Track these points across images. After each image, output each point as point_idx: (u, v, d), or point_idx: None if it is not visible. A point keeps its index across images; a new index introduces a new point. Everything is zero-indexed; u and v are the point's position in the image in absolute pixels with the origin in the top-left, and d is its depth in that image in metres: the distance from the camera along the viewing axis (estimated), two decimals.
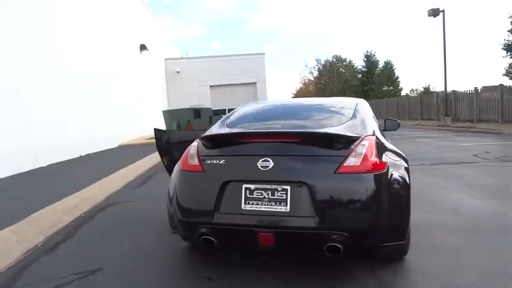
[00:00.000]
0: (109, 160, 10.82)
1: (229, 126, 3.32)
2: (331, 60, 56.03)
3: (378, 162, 2.64)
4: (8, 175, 8.13)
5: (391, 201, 2.65)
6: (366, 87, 44.53)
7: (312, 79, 61.54)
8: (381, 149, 2.82)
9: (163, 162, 5.28)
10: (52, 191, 6.17)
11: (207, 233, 2.74)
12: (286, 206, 2.59)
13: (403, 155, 3.15)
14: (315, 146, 2.73)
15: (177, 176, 3.05)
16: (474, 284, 2.65)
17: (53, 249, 3.79)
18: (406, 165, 2.99)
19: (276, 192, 2.62)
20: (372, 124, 3.21)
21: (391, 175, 2.72)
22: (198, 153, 2.94)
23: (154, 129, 5.23)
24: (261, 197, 2.64)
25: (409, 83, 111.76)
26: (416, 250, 3.16)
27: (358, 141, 2.71)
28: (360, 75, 48.59)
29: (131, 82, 19.20)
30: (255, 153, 2.73)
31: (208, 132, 3.20)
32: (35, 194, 6.16)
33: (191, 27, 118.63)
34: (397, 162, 2.89)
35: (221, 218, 2.70)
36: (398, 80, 44.76)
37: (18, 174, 8.40)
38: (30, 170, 8.86)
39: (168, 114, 15.21)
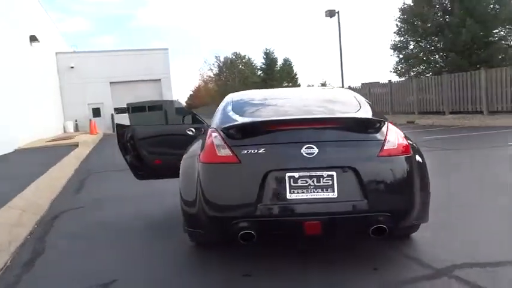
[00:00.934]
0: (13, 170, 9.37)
1: (244, 115, 3.12)
2: (230, 57, 56.71)
3: (408, 144, 2.79)
4: None
5: (421, 181, 2.83)
6: (267, 84, 46.19)
7: (212, 76, 61.58)
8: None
9: (126, 160, 4.79)
10: None
11: (247, 227, 2.59)
12: (334, 191, 2.57)
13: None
14: (354, 131, 2.77)
15: (201, 171, 2.79)
16: None
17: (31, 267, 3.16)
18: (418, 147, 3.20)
19: (321, 179, 2.59)
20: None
21: (417, 156, 2.89)
22: (227, 144, 2.72)
23: (117, 124, 4.72)
24: (306, 184, 2.58)
25: (307, 79, 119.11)
26: None
27: (386, 126, 2.81)
28: (260, 72, 50.19)
29: (23, 78, 16.83)
30: (297, 141, 2.65)
31: (228, 122, 2.96)
32: None
33: (75, 20, 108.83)
34: (414, 144, 3.08)
35: (265, 209, 2.58)
36: (296, 76, 47.57)
37: None
38: None
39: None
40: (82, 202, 5.46)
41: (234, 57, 56.13)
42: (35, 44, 19.53)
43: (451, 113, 16.57)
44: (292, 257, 3.04)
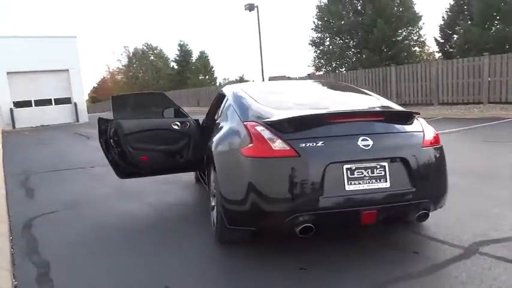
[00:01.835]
0: None
1: (280, 108, 3.02)
2: (141, 47, 54.02)
3: (438, 135, 3.00)
4: None
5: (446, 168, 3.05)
6: (182, 76, 45.17)
7: (121, 67, 58.03)
8: None
9: (107, 158, 4.36)
10: None
11: (308, 221, 2.56)
12: (386, 181, 2.66)
13: None
14: (398, 124, 2.87)
15: (253, 166, 2.65)
16: None
17: None
18: None
19: (375, 170, 2.66)
20: None
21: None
22: (281, 138, 2.63)
23: (99, 118, 4.22)
24: (362, 175, 2.64)
25: (224, 73, 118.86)
26: None
27: (417, 119, 2.99)
28: (175, 65, 48.83)
29: None
30: (353, 133, 2.68)
31: (270, 116, 2.85)
32: None
33: None
34: None
35: (327, 202, 2.58)
36: (213, 69, 47.28)
37: None
38: None
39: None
40: (48, 206, 4.73)
41: (145, 47, 53.64)
42: None
43: None
44: (336, 249, 3.04)
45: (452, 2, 22.39)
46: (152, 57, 52.55)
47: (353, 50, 24.26)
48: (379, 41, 21.21)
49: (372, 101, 3.40)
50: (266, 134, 2.68)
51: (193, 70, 45.82)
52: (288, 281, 2.61)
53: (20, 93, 24.21)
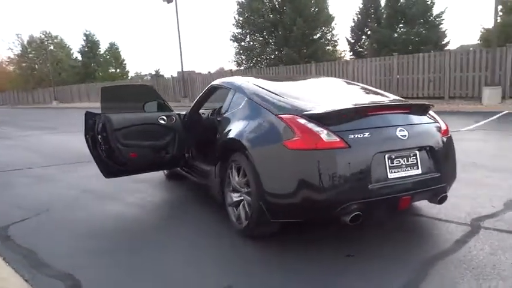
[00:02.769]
0: None
1: (310, 102, 3.07)
2: (39, 36, 48.58)
3: (447, 125, 3.33)
4: None
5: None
6: (90, 68, 41.83)
7: (13, 57, 51.54)
8: None
9: (93, 155, 3.97)
10: None
11: (357, 209, 2.66)
12: (418, 168, 2.89)
13: None
14: (421, 115, 3.12)
15: (303, 158, 2.65)
16: None
17: None
18: None
19: (409, 158, 2.87)
20: None
21: None
22: (329, 130, 2.68)
23: (86, 112, 3.78)
24: (399, 164, 2.83)
25: (137, 66, 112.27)
26: None
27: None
28: (79, 56, 45.01)
29: None
30: (392, 124, 2.85)
31: (306, 108, 2.88)
32: None
33: None
34: None
35: (375, 190, 2.71)
36: (125, 62, 44.54)
37: None
38: None
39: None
40: (10, 214, 4.07)
41: (43, 36, 48.41)
42: None
43: None
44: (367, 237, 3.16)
45: (361, 6, 24.45)
46: (52, 47, 47.67)
47: (273, 46, 25.03)
48: (299, 39, 22.24)
49: (378, 94, 3.67)
50: (313, 126, 2.70)
51: (101, 62, 42.72)
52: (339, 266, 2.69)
53: None
